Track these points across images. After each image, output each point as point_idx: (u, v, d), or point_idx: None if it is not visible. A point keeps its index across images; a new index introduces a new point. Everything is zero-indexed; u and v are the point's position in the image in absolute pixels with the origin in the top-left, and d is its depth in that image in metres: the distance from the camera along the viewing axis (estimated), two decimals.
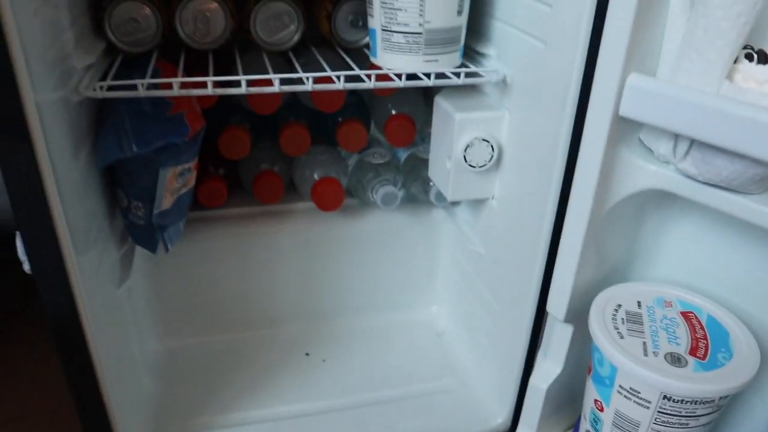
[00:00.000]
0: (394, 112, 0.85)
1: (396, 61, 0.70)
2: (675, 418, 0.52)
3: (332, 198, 0.83)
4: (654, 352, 0.53)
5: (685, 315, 0.57)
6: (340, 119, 0.84)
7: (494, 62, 0.74)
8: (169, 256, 0.82)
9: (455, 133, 0.73)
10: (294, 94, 0.84)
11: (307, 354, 0.92)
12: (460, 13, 0.69)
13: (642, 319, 0.56)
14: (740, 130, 0.42)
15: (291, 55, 0.76)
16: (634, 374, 0.52)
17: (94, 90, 0.62)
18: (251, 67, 0.71)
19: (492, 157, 0.74)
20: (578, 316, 0.62)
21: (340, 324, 0.97)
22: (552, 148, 0.63)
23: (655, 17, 0.48)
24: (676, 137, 0.49)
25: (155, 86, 0.63)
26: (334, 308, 0.97)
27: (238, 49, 0.77)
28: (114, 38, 0.72)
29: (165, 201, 0.71)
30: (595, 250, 0.58)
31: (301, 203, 0.89)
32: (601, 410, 0.57)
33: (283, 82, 0.65)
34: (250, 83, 0.64)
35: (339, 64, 0.74)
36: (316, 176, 0.85)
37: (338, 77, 0.66)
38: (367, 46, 0.79)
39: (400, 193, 0.86)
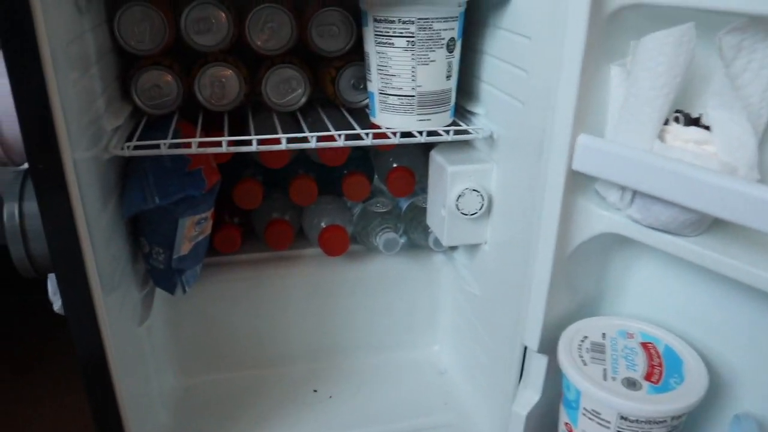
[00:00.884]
0: (395, 165, 0.93)
1: (392, 120, 0.77)
2: None
3: (338, 244, 0.90)
4: (612, 377, 0.58)
5: (645, 345, 0.63)
6: (345, 172, 0.91)
7: (483, 120, 0.81)
8: (186, 298, 0.89)
9: (448, 184, 0.80)
10: (302, 149, 0.92)
11: (315, 390, 0.98)
12: (448, 77, 0.76)
13: (605, 349, 0.62)
14: (669, 182, 0.49)
15: (299, 115, 0.84)
16: (594, 397, 0.57)
17: (122, 149, 0.70)
18: (262, 126, 0.79)
19: (482, 205, 0.81)
20: (550, 347, 0.67)
21: (347, 362, 1.03)
22: (531, 195, 0.69)
23: (598, 86, 0.55)
24: (623, 187, 0.56)
25: (176, 145, 0.71)
26: (341, 347, 1.03)
27: (251, 109, 0.86)
28: (139, 102, 0.80)
29: (183, 247, 0.78)
30: (565, 287, 0.64)
31: (310, 249, 0.96)
32: None
33: (289, 140, 0.72)
34: (260, 142, 0.72)
35: (342, 123, 0.82)
36: (323, 224, 0.92)
37: (339, 135, 0.74)
38: (368, 106, 0.87)
39: (402, 240, 0.93)
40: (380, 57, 0.75)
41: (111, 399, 0.69)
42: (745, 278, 0.50)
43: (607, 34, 0.53)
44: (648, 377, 0.58)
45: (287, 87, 0.83)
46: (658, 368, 0.59)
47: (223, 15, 0.78)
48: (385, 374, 1.02)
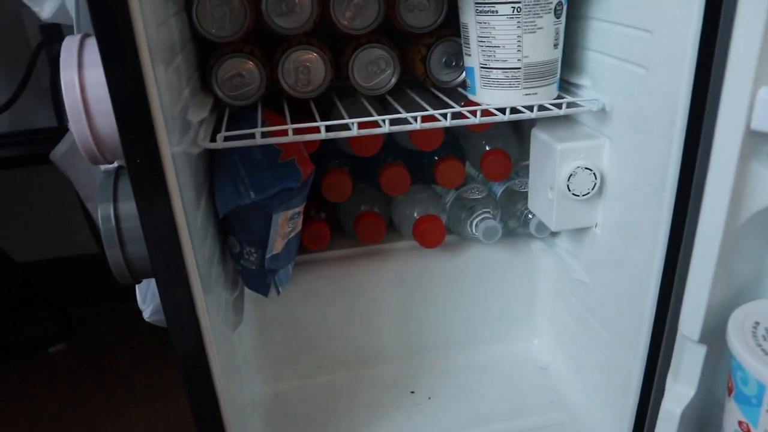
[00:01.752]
0: (488, 147, 0.86)
1: (496, 96, 0.71)
2: None
3: (435, 235, 0.84)
4: None
5: None
6: (436, 158, 0.85)
7: (590, 91, 0.74)
8: (273, 300, 0.84)
9: (558, 163, 0.73)
10: (390, 135, 0.86)
11: (413, 392, 0.92)
12: (556, 46, 0.70)
13: None
14: None
15: (388, 97, 0.78)
16: None
17: (214, 141, 0.65)
18: (353, 111, 0.74)
19: (595, 185, 0.74)
20: (711, 335, 0.60)
21: (443, 360, 0.97)
22: (661, 171, 0.62)
23: None
24: None
25: (271, 134, 0.65)
26: (436, 344, 0.97)
27: (336, 95, 0.80)
28: (221, 93, 0.75)
29: (276, 245, 0.74)
30: (725, 268, 0.57)
31: (401, 242, 0.90)
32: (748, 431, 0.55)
33: (391, 122, 0.67)
34: (360, 125, 0.66)
35: (436, 104, 0.76)
36: (416, 215, 0.86)
37: (443, 115, 0.68)
38: (460, 85, 0.81)
39: (500, 227, 0.86)
40: (481, 27, 0.69)
41: (214, 407, 0.65)
42: None
43: None
44: None
45: (375, 68, 0.78)
46: None
47: None
48: (484, 371, 0.96)
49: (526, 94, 0.70)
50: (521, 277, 0.95)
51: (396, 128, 0.68)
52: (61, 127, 1.15)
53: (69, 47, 0.55)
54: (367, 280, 0.91)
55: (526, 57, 0.68)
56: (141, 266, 0.59)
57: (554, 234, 0.89)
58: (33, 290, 1.25)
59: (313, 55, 0.76)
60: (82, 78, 0.54)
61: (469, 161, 0.90)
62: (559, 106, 0.71)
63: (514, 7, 0.66)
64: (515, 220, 0.89)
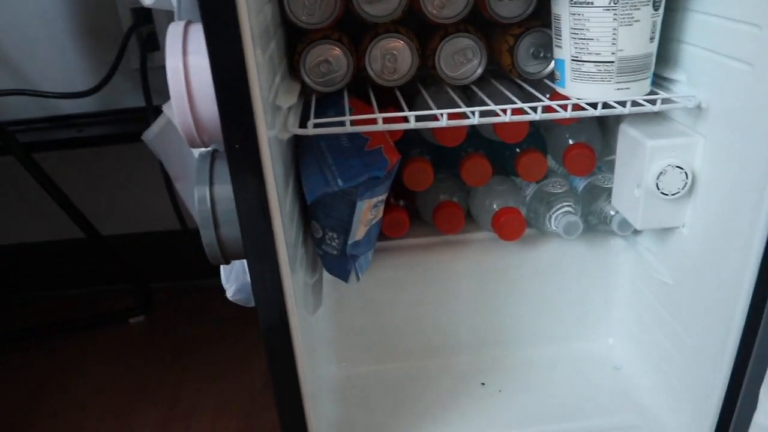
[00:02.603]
0: (572, 141, 0.85)
1: (586, 90, 0.70)
2: None
3: (515, 228, 0.83)
4: None
5: None
6: (518, 150, 0.84)
7: (684, 87, 0.72)
8: (350, 285, 0.85)
9: (647, 160, 0.71)
10: (473, 125, 0.86)
11: (483, 384, 0.92)
12: (652, 39, 0.68)
13: None
14: None
15: (473, 87, 0.78)
16: None
17: (304, 127, 0.66)
18: (439, 100, 0.74)
19: (686, 184, 0.72)
20: None
21: (515, 354, 0.96)
22: (760, 174, 0.60)
23: None
24: None
25: (360, 122, 0.66)
26: (509, 338, 0.97)
27: (421, 83, 0.80)
28: (308, 79, 0.76)
29: (359, 232, 0.74)
30: None
31: (479, 233, 0.90)
32: None
33: (481, 114, 0.66)
34: (449, 116, 0.66)
35: (521, 95, 0.75)
36: (495, 206, 0.85)
37: (533, 109, 0.67)
38: (546, 77, 0.79)
39: (581, 222, 0.85)
40: (575, 19, 0.67)
41: (295, 386, 0.67)
42: None
43: None
44: None
45: (462, 58, 0.77)
46: None
47: None
48: (556, 368, 0.95)
49: (618, 89, 0.69)
50: (599, 275, 0.94)
51: (485, 120, 0.67)
52: (148, 107, 1.18)
53: (174, 34, 0.56)
54: (444, 269, 0.91)
55: (620, 50, 0.67)
56: (233, 247, 0.61)
57: (636, 232, 0.87)
58: (117, 263, 1.31)
59: (400, 43, 0.76)
60: (186, 64, 0.55)
61: (551, 154, 0.89)
62: (653, 102, 0.69)
63: None
64: (595, 217, 0.87)
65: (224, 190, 0.58)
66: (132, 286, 1.34)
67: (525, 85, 0.78)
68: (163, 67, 0.56)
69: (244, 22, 0.50)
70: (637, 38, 0.67)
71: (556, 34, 0.71)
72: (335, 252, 0.75)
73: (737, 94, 0.64)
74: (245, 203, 0.56)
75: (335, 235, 0.74)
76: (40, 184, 1.20)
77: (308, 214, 0.76)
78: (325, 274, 0.83)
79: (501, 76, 0.82)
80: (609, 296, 0.95)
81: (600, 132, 0.88)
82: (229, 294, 0.80)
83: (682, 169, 0.71)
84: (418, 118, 0.66)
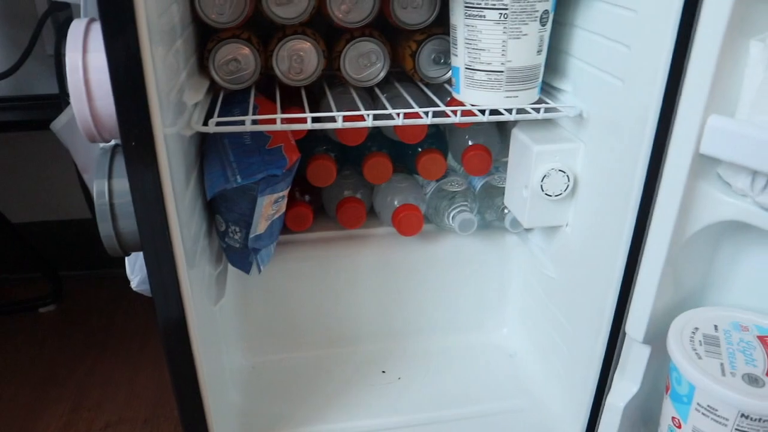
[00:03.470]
0: (470, 142, 0.90)
1: (478, 96, 0.74)
2: None
3: (413, 224, 0.88)
4: (732, 373, 0.55)
5: (762, 339, 0.59)
6: (419, 149, 0.88)
7: (570, 97, 0.78)
8: (255, 276, 0.88)
9: (533, 163, 0.77)
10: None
11: (383, 371, 0.96)
12: (539, 52, 0.73)
13: (719, 342, 0.59)
14: None
15: (377, 90, 0.81)
16: (712, 393, 0.55)
17: (206, 125, 0.68)
18: (341, 102, 0.77)
19: (567, 186, 0.77)
20: (655, 337, 0.64)
21: (415, 343, 1.01)
22: (629, 178, 0.66)
23: (735, 64, 0.51)
24: (754, 173, 0.52)
25: (258, 122, 0.69)
26: (410, 328, 1.01)
27: (326, 84, 0.83)
28: (217, 77, 0.78)
29: (260, 226, 0.77)
30: (672, 276, 0.61)
31: (381, 228, 0.94)
32: (679, 427, 0.59)
33: (376, 117, 0.70)
34: (345, 118, 0.70)
35: (422, 99, 0.79)
36: (396, 203, 0.89)
37: (426, 113, 0.71)
38: (447, 81, 0.84)
39: (476, 219, 0.90)
40: (469, 30, 0.72)
41: (192, 376, 0.69)
42: None
43: (748, 5, 0.49)
44: None
45: (366, 61, 0.81)
46: None
47: None
48: (454, 356, 1.00)
49: (507, 97, 0.74)
50: (494, 269, 0.99)
51: (380, 123, 0.71)
52: (62, 94, 1.17)
53: (75, 31, 0.58)
54: (346, 262, 0.95)
55: (509, 61, 0.71)
56: (131, 240, 0.63)
57: (528, 230, 0.93)
58: (27, 251, 1.28)
59: (306, 45, 0.79)
60: (86, 61, 0.57)
61: (452, 154, 0.93)
62: (537, 110, 0.74)
63: (501, 13, 0.69)
64: (492, 214, 0.92)
65: (122, 183, 0.60)
66: (43, 275, 1.32)
67: (426, 90, 0.82)
68: None
69: (141, 22, 0.52)
70: (525, 51, 0.72)
71: (453, 43, 0.75)
72: (237, 245, 0.78)
73: (611, 105, 0.70)
74: (141, 197, 0.58)
75: (237, 229, 0.77)
76: None
77: (212, 207, 0.78)
78: (230, 266, 0.85)
79: (406, 79, 0.86)
80: (503, 289, 1.01)
81: (499, 135, 0.94)
82: (134, 284, 0.81)
83: (564, 172, 0.77)
84: (315, 120, 0.69)
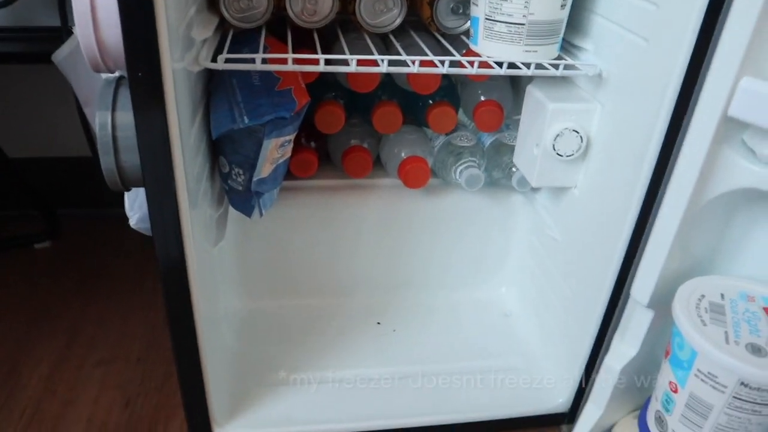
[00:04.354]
0: (483, 98, 0.88)
1: (496, 49, 0.72)
2: (749, 404, 0.55)
3: (419, 176, 0.86)
4: (735, 341, 0.55)
5: None
6: (431, 101, 0.86)
7: (590, 56, 0.75)
8: (257, 221, 0.87)
9: (547, 122, 0.75)
10: (388, 74, 0.87)
11: (379, 323, 0.96)
12: (563, 7, 0.70)
13: (725, 311, 0.59)
14: None
15: (391, 37, 0.79)
16: (714, 360, 0.54)
17: (214, 61, 0.66)
18: (354, 46, 0.75)
19: (580, 147, 0.76)
20: (659, 302, 0.64)
21: (412, 297, 1.01)
22: (645, 142, 0.64)
23: None
24: None
25: (270, 61, 0.66)
26: (408, 281, 1.01)
27: (340, 28, 0.81)
28: (227, 14, 0.75)
29: (264, 169, 0.75)
30: (684, 242, 0.60)
31: (386, 179, 0.92)
32: (675, 392, 0.59)
33: (390, 63, 0.68)
34: (358, 62, 0.68)
35: (438, 49, 0.77)
36: (403, 154, 0.88)
37: (442, 62, 0.69)
38: (464, 33, 0.81)
39: (484, 176, 0.88)
40: None
41: (189, 316, 0.69)
42: None
43: None
44: None
45: (382, 6, 0.78)
46: None
47: None
48: (450, 312, 1.00)
49: (526, 51, 0.71)
50: (498, 227, 0.98)
51: (394, 69, 0.69)
52: (63, 28, 1.13)
53: None
54: (349, 212, 0.94)
55: (531, 14, 0.69)
56: (132, 175, 0.61)
57: (535, 190, 0.92)
58: (24, 187, 1.26)
59: None
60: None
61: (463, 109, 0.91)
62: (556, 66, 0.72)
63: None
64: (500, 172, 0.91)
65: (126, 116, 0.58)
66: (39, 212, 1.30)
67: (442, 40, 0.80)
68: None
69: None
70: (549, 4, 0.69)
71: None
72: (240, 187, 0.76)
73: (633, 66, 0.68)
74: (146, 132, 0.56)
75: (241, 171, 0.75)
76: None
77: (217, 148, 0.76)
78: (231, 209, 0.84)
79: (421, 28, 0.84)
80: (505, 248, 1.00)
81: (512, 91, 0.92)
82: (132, 222, 0.80)
83: (578, 132, 0.75)
84: (328, 62, 0.67)
